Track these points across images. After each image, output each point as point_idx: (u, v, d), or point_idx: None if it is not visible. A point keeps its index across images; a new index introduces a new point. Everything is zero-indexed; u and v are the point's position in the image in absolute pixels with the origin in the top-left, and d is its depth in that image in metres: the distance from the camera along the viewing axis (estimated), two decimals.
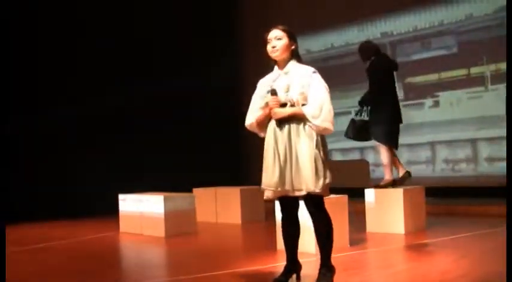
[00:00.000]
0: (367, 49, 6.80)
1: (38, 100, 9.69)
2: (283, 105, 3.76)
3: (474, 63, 9.41)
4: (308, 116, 3.67)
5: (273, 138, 3.78)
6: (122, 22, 10.59)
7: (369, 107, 6.62)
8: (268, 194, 3.81)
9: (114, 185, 8.47)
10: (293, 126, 3.72)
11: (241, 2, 12.98)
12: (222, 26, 12.48)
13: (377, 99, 6.53)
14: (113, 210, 8.04)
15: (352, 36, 11.06)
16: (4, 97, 9.27)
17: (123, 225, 7.59)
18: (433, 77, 9.85)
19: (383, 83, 6.54)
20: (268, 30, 3.89)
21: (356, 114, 6.70)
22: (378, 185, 6.67)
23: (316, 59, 11.39)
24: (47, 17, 9.85)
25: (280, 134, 3.75)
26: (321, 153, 3.68)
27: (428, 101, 9.91)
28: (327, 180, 3.67)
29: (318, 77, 3.77)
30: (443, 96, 9.78)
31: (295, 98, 3.73)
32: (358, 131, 6.61)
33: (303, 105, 3.71)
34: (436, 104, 9.86)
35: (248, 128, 4.03)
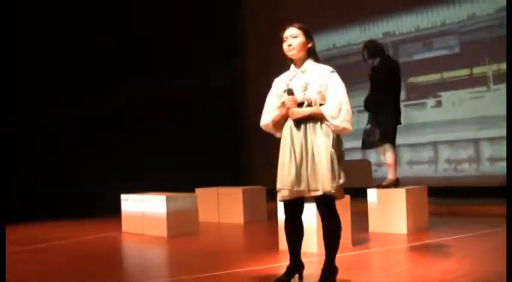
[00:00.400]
0: (373, 48, 6.73)
1: (38, 100, 9.68)
2: (300, 104, 3.73)
3: (476, 63, 9.39)
4: (327, 116, 3.65)
5: (289, 138, 3.74)
6: (122, 22, 10.59)
7: (371, 110, 6.57)
8: (284, 194, 3.76)
9: (115, 185, 8.47)
10: (310, 125, 3.69)
11: (243, 2, 12.97)
12: (223, 25, 12.48)
13: (379, 100, 6.51)
14: (114, 210, 8.04)
15: (354, 36, 11.05)
16: (4, 97, 9.27)
17: (125, 225, 7.59)
18: (435, 77, 9.84)
19: (385, 83, 6.51)
20: (283, 28, 3.84)
21: (370, 123, 6.58)
22: (380, 184, 6.66)
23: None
24: (46, 16, 9.83)
25: (296, 133, 3.71)
26: (338, 153, 3.67)
27: (431, 101, 9.90)
28: (341, 181, 3.66)
29: (336, 77, 3.75)
30: (446, 96, 9.76)
31: (313, 97, 3.70)
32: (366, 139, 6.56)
33: (320, 104, 3.69)
34: (439, 104, 9.85)
35: (263, 128, 3.98)
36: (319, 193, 3.63)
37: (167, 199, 6.94)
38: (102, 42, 10.41)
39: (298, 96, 3.74)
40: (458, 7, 9.63)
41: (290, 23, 3.87)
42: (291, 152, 3.71)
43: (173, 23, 11.40)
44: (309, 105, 3.71)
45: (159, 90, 10.88)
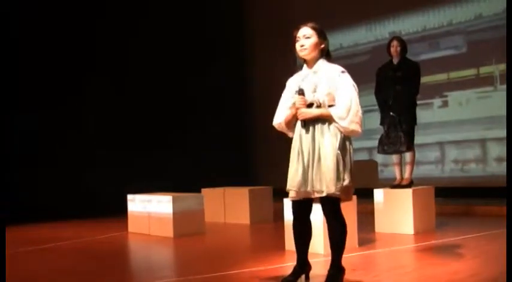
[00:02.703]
0: (404, 44, 6.65)
1: (46, 98, 9.70)
2: (310, 105, 3.73)
3: (483, 63, 9.36)
4: (335, 118, 3.64)
5: (298, 139, 3.76)
6: (125, 23, 10.61)
7: (397, 111, 6.41)
8: (292, 194, 3.79)
9: (123, 185, 8.50)
10: (318, 126, 3.69)
11: (250, 2, 12.97)
12: (230, 26, 12.48)
13: (408, 101, 6.42)
14: (121, 210, 8.05)
15: (360, 36, 11.04)
16: (8, 96, 9.29)
17: (132, 226, 7.61)
18: (442, 77, 9.81)
19: (414, 83, 6.45)
20: (297, 28, 3.83)
21: (391, 127, 6.41)
22: (398, 184, 6.61)
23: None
24: (47, 16, 9.85)
25: (305, 134, 3.72)
26: (345, 154, 3.65)
27: (437, 101, 9.88)
28: (345, 183, 3.63)
29: (346, 77, 3.72)
30: (452, 96, 9.74)
31: (321, 98, 3.70)
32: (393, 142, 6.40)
33: (330, 106, 3.67)
34: (445, 104, 9.83)
35: (276, 127, 3.98)
36: (323, 194, 3.63)
37: (173, 199, 6.94)
38: (106, 42, 10.45)
39: (308, 97, 3.73)
40: (465, 7, 9.60)
41: (304, 22, 3.84)
42: (299, 153, 3.72)
43: (180, 21, 11.42)
44: (319, 106, 3.70)
45: (167, 90, 10.91)
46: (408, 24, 10.31)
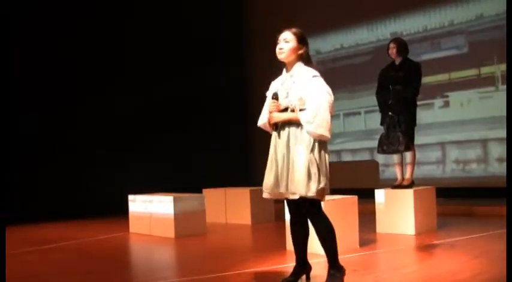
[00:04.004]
0: (404, 45, 6.64)
1: (48, 99, 9.71)
2: (285, 109, 3.76)
3: (484, 63, 9.35)
4: (302, 122, 3.66)
5: (274, 144, 3.82)
6: (125, 23, 10.62)
7: (395, 111, 6.42)
8: (265, 195, 3.86)
9: (124, 186, 8.51)
10: (292, 130, 3.73)
11: (251, 2, 12.97)
12: (231, 26, 12.48)
13: (408, 100, 6.40)
14: (122, 211, 8.06)
15: (361, 36, 11.03)
16: (9, 96, 9.30)
17: (133, 226, 7.61)
18: (443, 77, 9.80)
19: (415, 82, 6.45)
20: (280, 31, 3.87)
21: (391, 127, 6.43)
22: (399, 184, 6.61)
23: (325, 59, 11.38)
24: (47, 16, 9.86)
25: (279, 139, 3.78)
26: (318, 158, 3.65)
27: (439, 101, 9.87)
28: (321, 185, 3.63)
29: (317, 81, 3.72)
30: (454, 96, 9.73)
31: (293, 103, 3.72)
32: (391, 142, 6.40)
33: (301, 109, 3.69)
34: (446, 104, 9.82)
35: (262, 127, 4.02)
36: (296, 196, 3.66)
37: (175, 200, 6.95)
38: (109, 43, 10.45)
39: (282, 101, 3.77)
40: (466, 7, 9.59)
41: (288, 27, 3.88)
42: (272, 158, 3.79)
43: (182, 24, 11.43)
44: (292, 111, 3.73)
45: (168, 90, 10.91)
46: (409, 25, 10.30)
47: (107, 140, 10.15)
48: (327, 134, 3.65)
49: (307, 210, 3.77)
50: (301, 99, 3.69)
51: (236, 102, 12.23)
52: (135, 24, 10.71)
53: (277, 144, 3.79)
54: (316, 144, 3.67)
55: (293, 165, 3.67)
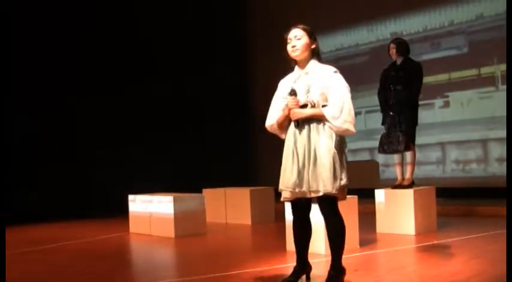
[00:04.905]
0: (404, 45, 6.63)
1: (49, 99, 9.71)
2: (304, 106, 3.73)
3: (485, 63, 9.35)
4: (328, 117, 3.63)
5: (292, 139, 3.75)
6: (127, 22, 10.62)
7: (395, 111, 6.43)
8: (286, 195, 3.77)
9: (124, 186, 8.50)
10: (313, 126, 3.69)
11: (252, 2, 12.97)
12: (233, 25, 12.48)
13: (409, 100, 6.40)
14: (122, 210, 8.06)
15: (362, 36, 11.03)
16: (9, 97, 9.30)
17: (133, 226, 7.61)
18: (443, 77, 9.80)
19: (416, 82, 6.45)
20: (288, 30, 3.85)
21: (391, 127, 6.42)
22: (399, 184, 6.60)
23: (326, 59, 11.27)
24: (48, 16, 9.86)
25: (299, 134, 3.72)
26: (340, 154, 3.65)
27: (439, 101, 9.87)
28: (343, 182, 3.63)
29: (339, 77, 3.73)
30: (454, 96, 9.73)
31: (315, 99, 3.69)
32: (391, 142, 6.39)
33: (323, 106, 3.68)
34: (447, 104, 9.82)
35: (268, 129, 3.97)
36: (320, 194, 3.63)
37: (175, 200, 6.94)
38: (110, 42, 10.47)
39: (301, 98, 3.73)
40: (467, 7, 9.59)
41: (294, 25, 3.86)
42: (293, 154, 3.72)
43: (182, 24, 11.43)
44: (313, 107, 3.70)
45: (169, 89, 10.91)
46: (409, 25, 10.30)
47: (107, 140, 10.16)
48: (352, 128, 3.65)
49: (323, 208, 3.73)
50: (323, 94, 3.68)
51: (236, 102, 12.23)
52: (135, 24, 10.71)
53: (296, 141, 3.72)
54: (339, 140, 3.67)
55: (316, 161, 3.62)
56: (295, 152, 3.71)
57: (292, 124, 3.77)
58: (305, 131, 3.70)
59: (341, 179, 3.62)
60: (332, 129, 3.64)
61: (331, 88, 3.68)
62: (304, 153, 3.68)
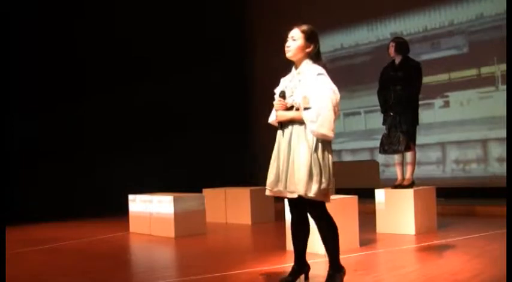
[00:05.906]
0: (404, 44, 6.62)
1: (48, 99, 9.71)
2: (290, 108, 3.74)
3: (485, 63, 9.35)
4: (306, 121, 3.62)
5: (278, 140, 3.81)
6: (125, 23, 10.61)
7: (395, 111, 6.43)
8: (267, 193, 3.86)
9: (124, 185, 8.50)
10: (295, 129, 3.70)
11: (251, 2, 12.97)
12: (231, 25, 12.48)
13: (409, 99, 6.39)
14: (122, 210, 8.06)
15: (361, 36, 11.03)
16: (9, 98, 9.29)
17: (133, 226, 7.61)
18: (443, 77, 9.80)
19: (416, 82, 6.43)
20: (290, 28, 3.84)
21: (392, 128, 6.42)
22: (399, 184, 6.60)
23: (326, 59, 11.34)
24: (47, 18, 9.85)
25: (283, 136, 3.76)
26: (321, 158, 3.62)
27: (439, 101, 9.87)
28: (323, 186, 3.59)
29: (322, 80, 3.68)
30: (454, 96, 9.73)
31: (298, 101, 3.69)
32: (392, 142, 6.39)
33: (306, 108, 3.65)
34: (447, 104, 9.82)
35: (272, 124, 3.98)
36: (295, 195, 3.65)
37: (175, 200, 6.94)
38: (110, 42, 10.46)
39: (288, 99, 3.75)
40: (466, 7, 9.59)
41: (298, 24, 3.85)
42: (275, 156, 3.79)
43: (182, 24, 11.43)
44: (297, 109, 3.70)
45: (167, 90, 10.91)
46: (409, 25, 10.30)
47: (107, 140, 10.15)
48: (330, 133, 3.60)
49: (310, 211, 3.76)
50: (305, 97, 3.65)
51: (236, 102, 12.23)
52: (135, 24, 10.70)
53: (280, 142, 3.77)
54: (320, 144, 3.63)
55: (294, 163, 3.64)
56: (277, 153, 3.78)
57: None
58: (288, 133, 3.73)
59: (321, 183, 3.59)
60: (311, 132, 3.62)
61: (313, 91, 3.64)
62: (285, 155, 3.72)
